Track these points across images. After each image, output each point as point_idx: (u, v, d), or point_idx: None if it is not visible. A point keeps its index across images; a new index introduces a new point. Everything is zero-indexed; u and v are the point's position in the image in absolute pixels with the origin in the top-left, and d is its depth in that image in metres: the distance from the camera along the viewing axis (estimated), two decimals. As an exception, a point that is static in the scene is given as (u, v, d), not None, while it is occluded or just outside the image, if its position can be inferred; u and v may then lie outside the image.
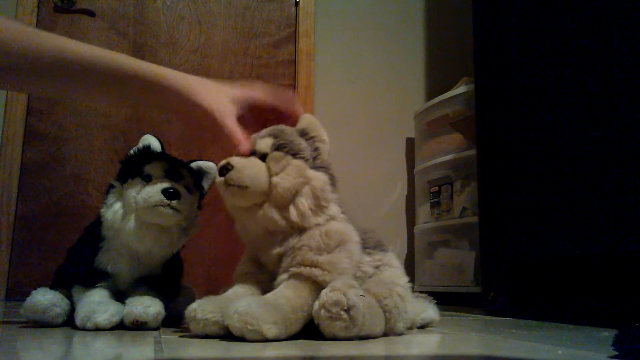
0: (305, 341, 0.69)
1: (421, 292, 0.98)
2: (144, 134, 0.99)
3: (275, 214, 0.76)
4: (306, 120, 0.83)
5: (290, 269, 0.73)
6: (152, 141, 0.96)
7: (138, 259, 0.92)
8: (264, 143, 0.78)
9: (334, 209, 0.78)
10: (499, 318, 0.85)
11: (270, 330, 0.66)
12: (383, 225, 2.10)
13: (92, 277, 0.90)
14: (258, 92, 0.83)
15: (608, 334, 0.83)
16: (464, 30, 2.14)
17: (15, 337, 0.74)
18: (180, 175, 0.91)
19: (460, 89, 1.75)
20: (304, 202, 0.75)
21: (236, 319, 0.66)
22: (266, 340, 0.66)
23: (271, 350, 0.61)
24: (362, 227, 0.82)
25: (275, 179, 0.75)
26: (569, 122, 1.16)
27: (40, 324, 0.87)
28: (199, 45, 2.02)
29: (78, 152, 1.88)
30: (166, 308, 0.89)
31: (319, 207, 0.76)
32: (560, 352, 0.65)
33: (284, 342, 0.67)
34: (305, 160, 0.78)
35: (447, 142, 1.81)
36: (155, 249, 0.90)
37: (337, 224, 0.76)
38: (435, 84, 2.20)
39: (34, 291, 0.88)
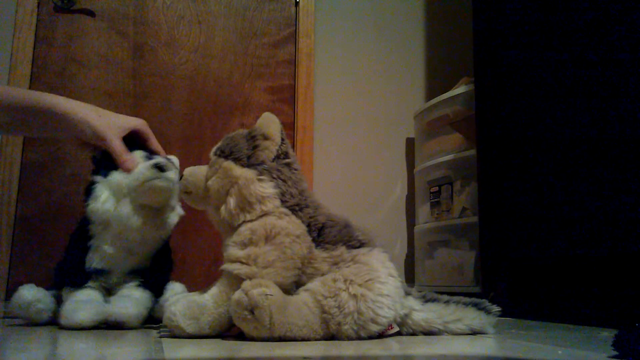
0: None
1: (459, 293, 0.88)
2: None
3: (214, 215, 0.81)
4: (260, 119, 0.83)
5: (221, 266, 0.75)
6: None
7: (129, 250, 0.92)
8: (212, 149, 0.83)
9: (269, 205, 0.77)
10: (499, 318, 0.85)
11: (190, 326, 0.71)
12: (383, 225, 2.10)
13: (82, 278, 0.91)
14: (135, 122, 0.98)
15: (608, 334, 0.83)
16: (464, 30, 2.14)
17: (16, 337, 0.74)
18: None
19: (460, 89, 1.75)
20: (231, 200, 0.77)
21: (165, 317, 0.73)
22: (189, 335, 0.71)
23: (273, 350, 0.61)
24: (330, 221, 0.78)
25: (208, 183, 0.80)
26: (569, 122, 1.16)
27: (26, 320, 0.88)
28: (199, 45, 2.02)
29: (78, 152, 1.88)
30: (155, 304, 0.91)
31: (246, 204, 0.76)
32: (560, 352, 0.65)
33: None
34: (237, 160, 0.78)
35: (447, 142, 1.81)
36: (150, 233, 0.91)
37: (267, 219, 0.75)
38: (435, 84, 2.20)
39: (20, 287, 0.89)
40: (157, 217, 0.92)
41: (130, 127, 0.96)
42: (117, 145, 0.91)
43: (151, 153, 0.97)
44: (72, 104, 0.93)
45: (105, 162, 0.94)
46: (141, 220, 0.89)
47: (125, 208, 0.89)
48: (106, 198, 0.90)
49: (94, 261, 0.91)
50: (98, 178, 0.92)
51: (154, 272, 0.96)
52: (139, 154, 0.94)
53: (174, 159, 1.01)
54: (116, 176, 0.90)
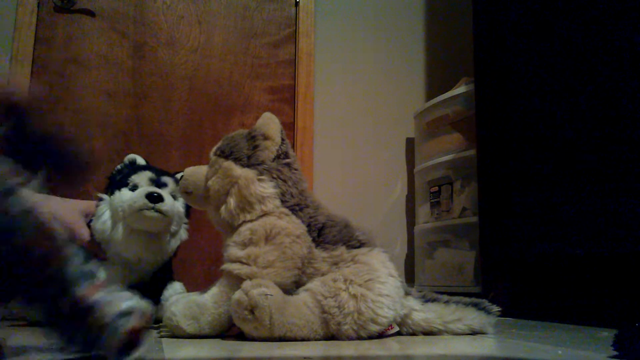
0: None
1: (464, 294, 0.87)
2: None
3: (214, 215, 0.80)
4: (260, 119, 0.83)
5: (222, 266, 0.75)
6: (137, 157, 1.01)
7: (129, 268, 0.93)
8: (212, 149, 0.83)
9: (269, 204, 0.77)
10: (499, 318, 0.85)
11: (190, 326, 0.71)
12: (383, 225, 2.09)
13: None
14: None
15: (608, 334, 0.83)
16: (464, 30, 2.14)
17: (16, 337, 0.74)
18: (165, 184, 0.94)
19: (460, 89, 1.75)
20: (231, 200, 0.77)
21: (166, 317, 0.73)
22: (189, 335, 0.71)
23: (273, 350, 0.61)
24: (330, 221, 0.78)
25: (208, 183, 0.80)
26: (569, 122, 1.16)
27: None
28: (199, 45, 2.02)
29: (78, 152, 1.88)
30: (154, 305, 0.91)
31: (246, 204, 0.76)
32: (560, 352, 0.65)
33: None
34: (237, 160, 0.78)
35: (447, 142, 1.80)
36: (145, 256, 0.92)
37: (267, 219, 0.75)
38: (435, 84, 2.20)
39: None
40: (154, 242, 0.92)
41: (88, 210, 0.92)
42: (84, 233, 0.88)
43: (159, 174, 0.97)
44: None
45: (114, 180, 0.95)
46: (136, 245, 0.91)
47: (120, 232, 0.90)
48: (106, 218, 0.91)
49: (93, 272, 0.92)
50: (104, 196, 0.94)
51: (151, 287, 0.97)
52: (146, 175, 0.95)
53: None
54: (117, 198, 0.91)
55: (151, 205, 0.89)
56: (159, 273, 0.99)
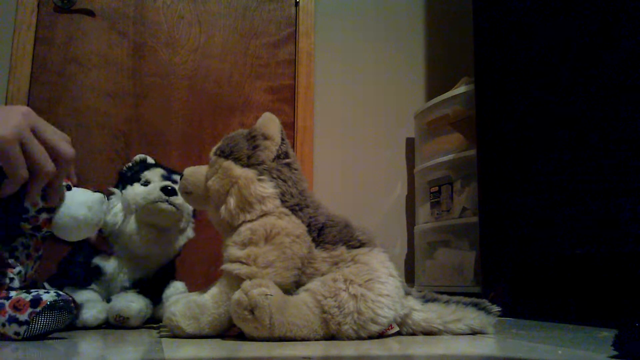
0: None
1: (463, 294, 0.87)
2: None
3: (214, 215, 0.80)
4: (260, 119, 0.83)
5: (222, 266, 0.75)
6: (147, 157, 1.04)
7: (135, 263, 0.94)
8: (212, 149, 0.82)
9: (269, 204, 0.77)
10: (499, 318, 0.85)
11: (190, 326, 0.71)
12: (383, 225, 2.09)
13: (86, 279, 0.91)
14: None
15: (608, 334, 0.83)
16: (464, 30, 2.14)
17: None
18: (176, 181, 0.96)
19: (460, 89, 1.75)
20: (231, 200, 0.77)
21: (165, 317, 0.73)
22: (189, 335, 0.71)
23: (273, 350, 0.61)
24: (330, 221, 0.78)
25: (208, 183, 0.79)
26: (569, 122, 1.16)
27: None
28: (199, 45, 2.02)
29: (78, 152, 1.88)
30: (155, 305, 0.92)
31: (246, 204, 0.76)
32: (560, 352, 0.65)
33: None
34: (237, 160, 0.78)
35: (447, 142, 1.80)
36: (154, 251, 0.93)
37: (267, 219, 0.75)
38: (435, 84, 2.20)
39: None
40: (163, 237, 0.94)
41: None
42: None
43: (170, 172, 0.98)
44: None
45: (126, 175, 0.97)
46: (146, 238, 0.92)
47: (131, 224, 0.91)
48: (118, 210, 0.92)
49: (99, 266, 0.93)
50: (115, 190, 0.95)
51: (154, 284, 0.97)
52: (158, 172, 0.96)
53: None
54: (129, 192, 0.92)
55: (165, 197, 0.90)
56: (162, 270, 0.99)
